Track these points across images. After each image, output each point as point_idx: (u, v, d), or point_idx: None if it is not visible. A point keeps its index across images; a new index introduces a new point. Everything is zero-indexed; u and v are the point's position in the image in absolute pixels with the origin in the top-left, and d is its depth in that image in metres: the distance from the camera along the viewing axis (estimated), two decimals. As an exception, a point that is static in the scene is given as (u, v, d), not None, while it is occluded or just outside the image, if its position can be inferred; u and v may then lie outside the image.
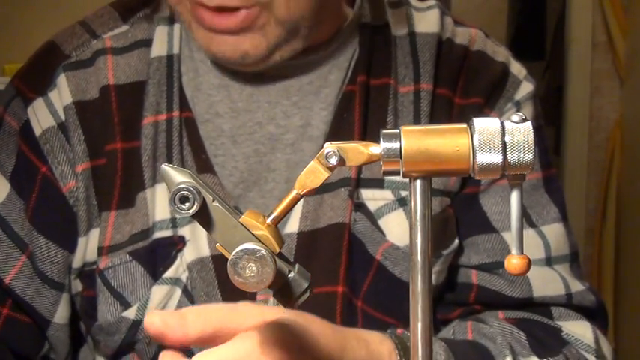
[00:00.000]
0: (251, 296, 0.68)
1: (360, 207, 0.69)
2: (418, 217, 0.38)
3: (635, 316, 2.44)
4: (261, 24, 0.64)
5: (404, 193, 0.70)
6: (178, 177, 0.39)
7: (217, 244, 0.40)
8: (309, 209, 0.68)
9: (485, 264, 0.72)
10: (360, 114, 0.70)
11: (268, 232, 0.40)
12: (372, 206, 0.69)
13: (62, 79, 0.71)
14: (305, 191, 0.40)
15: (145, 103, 0.71)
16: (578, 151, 2.66)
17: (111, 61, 0.72)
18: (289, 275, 0.40)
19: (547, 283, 0.72)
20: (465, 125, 0.38)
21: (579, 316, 0.72)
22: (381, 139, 0.38)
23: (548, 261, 0.72)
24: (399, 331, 0.60)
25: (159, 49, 0.72)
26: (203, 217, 0.39)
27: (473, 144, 0.37)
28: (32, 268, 0.70)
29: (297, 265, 0.41)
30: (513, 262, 0.39)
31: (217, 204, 0.39)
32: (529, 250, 0.70)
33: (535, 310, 0.72)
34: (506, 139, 0.37)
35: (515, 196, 0.39)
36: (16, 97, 0.72)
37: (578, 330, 0.71)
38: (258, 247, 0.38)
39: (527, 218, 0.72)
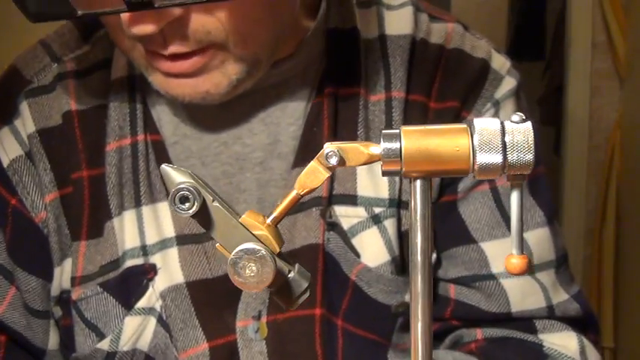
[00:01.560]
0: (230, 321, 0.66)
1: (333, 226, 0.67)
2: (418, 217, 0.38)
3: (635, 316, 2.44)
4: (218, 63, 0.60)
5: (377, 210, 0.67)
6: (178, 177, 0.39)
7: (217, 244, 0.40)
8: (283, 230, 0.65)
9: (462, 277, 0.70)
10: (329, 127, 0.67)
11: (268, 232, 0.40)
12: (345, 224, 0.67)
13: (24, 107, 0.69)
14: (305, 191, 0.40)
15: (107, 128, 0.68)
16: (578, 151, 2.66)
17: (72, 85, 0.70)
18: (289, 275, 0.40)
19: (526, 296, 0.69)
20: (465, 125, 0.38)
21: (564, 326, 0.70)
22: (381, 139, 0.38)
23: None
24: None
25: (120, 70, 0.70)
26: (203, 217, 0.39)
27: (473, 144, 0.37)
28: (21, 300, 0.69)
29: (297, 265, 0.41)
30: (513, 262, 0.39)
31: (217, 204, 0.39)
32: None
33: (517, 326, 0.69)
34: (506, 139, 0.37)
35: (515, 197, 0.39)
36: None
37: (562, 342, 0.68)
38: (258, 247, 0.38)
39: (507, 224, 0.69)
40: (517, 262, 0.39)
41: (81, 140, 0.68)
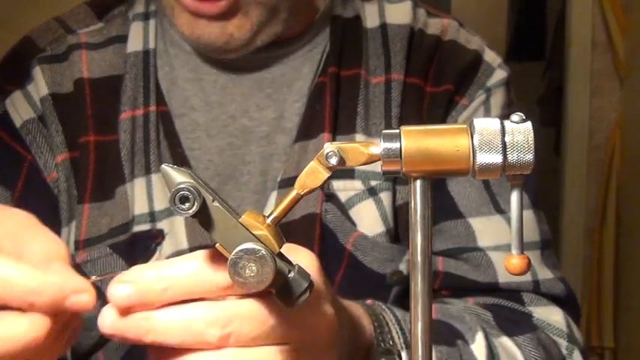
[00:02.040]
0: None
1: (330, 197, 0.69)
2: (418, 217, 0.38)
3: (635, 316, 2.44)
4: (243, 6, 0.65)
5: (374, 183, 0.70)
6: (178, 177, 0.39)
7: (217, 244, 0.40)
8: None
9: (449, 249, 0.71)
10: (331, 105, 0.71)
11: (268, 232, 0.40)
12: (342, 197, 0.70)
13: (37, 72, 0.72)
14: (305, 191, 0.40)
15: (123, 98, 0.71)
16: (578, 151, 2.66)
17: (85, 55, 0.73)
18: (289, 275, 0.40)
19: None
20: (465, 125, 0.38)
21: (550, 302, 0.71)
22: (381, 139, 0.38)
23: None
24: (369, 302, 0.59)
25: (135, 44, 0.73)
26: (203, 217, 0.39)
27: (473, 144, 0.37)
28: None
29: (297, 265, 0.41)
30: (513, 262, 0.39)
31: (217, 204, 0.39)
32: (495, 236, 0.70)
33: (505, 296, 0.71)
34: (506, 139, 0.37)
35: (515, 197, 0.39)
36: None
37: (549, 315, 0.70)
38: (258, 247, 0.38)
39: (494, 204, 0.71)
40: (517, 262, 0.39)
41: (90, 107, 0.71)
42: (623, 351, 2.55)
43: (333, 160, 0.39)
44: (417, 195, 0.38)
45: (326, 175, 0.39)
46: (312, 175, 0.39)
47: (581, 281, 2.65)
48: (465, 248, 0.71)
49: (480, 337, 0.62)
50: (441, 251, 0.72)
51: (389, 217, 0.70)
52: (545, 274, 0.72)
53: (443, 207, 0.71)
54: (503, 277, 0.70)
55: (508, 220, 0.71)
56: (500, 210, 0.71)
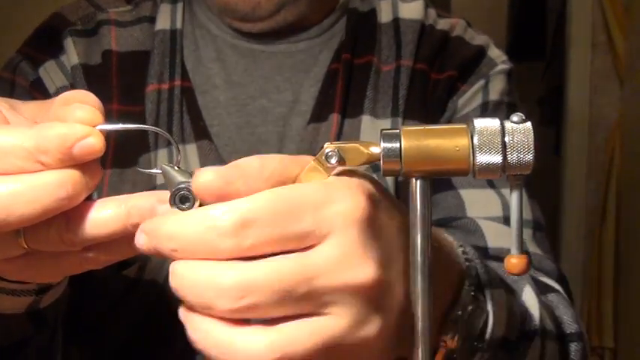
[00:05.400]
0: None
1: None
2: (418, 217, 0.38)
3: (635, 316, 2.44)
4: None
5: None
6: (178, 177, 0.39)
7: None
8: None
9: (441, 219, 0.73)
10: (342, 89, 0.74)
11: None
12: None
13: (69, 43, 0.74)
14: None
15: (150, 71, 0.74)
16: (578, 152, 2.66)
17: (114, 31, 0.76)
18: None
19: (501, 236, 0.70)
20: (464, 125, 0.38)
21: (544, 275, 0.70)
22: (381, 139, 0.38)
23: (506, 220, 0.70)
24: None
25: (163, 23, 0.77)
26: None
27: (473, 144, 0.37)
28: None
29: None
30: (513, 262, 0.39)
31: (217, 204, 0.39)
32: (485, 207, 0.71)
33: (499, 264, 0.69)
34: (506, 139, 0.37)
35: (515, 197, 0.39)
36: (23, 61, 0.74)
37: (555, 286, 0.68)
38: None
39: (488, 180, 0.72)
40: (516, 261, 0.39)
41: (116, 77, 0.74)
42: (623, 351, 2.55)
43: (333, 160, 0.38)
44: (417, 195, 0.38)
45: (325, 175, 0.39)
46: (312, 175, 0.39)
47: (581, 281, 2.66)
48: (455, 217, 0.73)
49: (529, 290, 0.61)
50: (433, 221, 0.72)
51: (391, 193, 0.71)
52: (535, 249, 0.71)
53: (437, 181, 0.73)
54: (493, 243, 0.70)
55: (499, 195, 0.72)
56: (493, 185, 0.73)
